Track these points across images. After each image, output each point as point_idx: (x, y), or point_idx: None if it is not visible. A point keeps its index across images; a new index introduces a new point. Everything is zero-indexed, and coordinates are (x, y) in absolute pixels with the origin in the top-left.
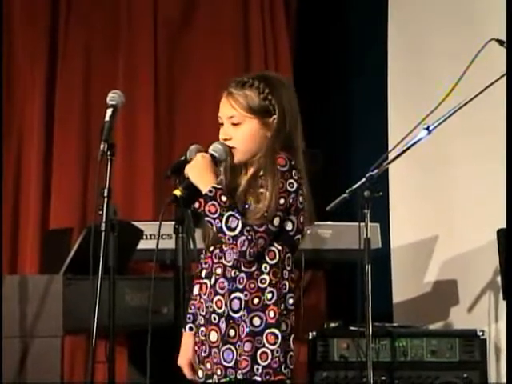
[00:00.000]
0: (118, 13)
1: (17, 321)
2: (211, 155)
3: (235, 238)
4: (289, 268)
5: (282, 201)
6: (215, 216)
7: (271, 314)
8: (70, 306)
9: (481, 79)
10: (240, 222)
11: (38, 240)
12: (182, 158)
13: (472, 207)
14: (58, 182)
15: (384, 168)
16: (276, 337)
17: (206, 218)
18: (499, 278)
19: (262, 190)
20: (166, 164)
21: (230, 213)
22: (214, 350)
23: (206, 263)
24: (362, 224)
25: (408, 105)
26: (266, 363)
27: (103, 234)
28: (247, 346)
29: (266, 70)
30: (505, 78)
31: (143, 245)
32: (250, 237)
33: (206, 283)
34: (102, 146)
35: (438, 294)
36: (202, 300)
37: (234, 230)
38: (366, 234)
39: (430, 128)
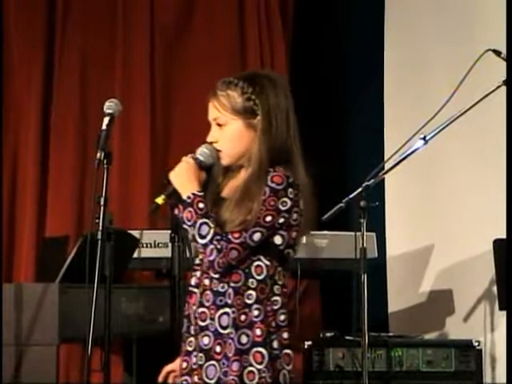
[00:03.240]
0: (114, 20)
1: (12, 329)
2: (196, 160)
3: (205, 246)
4: (280, 283)
5: (268, 218)
6: (190, 223)
7: (258, 331)
8: (66, 314)
9: (477, 89)
10: (212, 230)
11: (33, 248)
12: None
13: (468, 217)
14: (54, 191)
15: (380, 178)
16: (262, 356)
17: (184, 225)
18: (495, 288)
19: (247, 202)
20: (163, 172)
21: (204, 220)
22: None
23: (196, 272)
24: (358, 233)
25: (405, 114)
26: (253, 383)
27: (99, 242)
28: (235, 366)
29: (259, 69)
30: (501, 89)
31: (139, 253)
32: (219, 246)
33: (195, 293)
34: (98, 154)
35: (434, 304)
36: (190, 309)
37: (204, 237)
38: (362, 244)
39: (427, 138)
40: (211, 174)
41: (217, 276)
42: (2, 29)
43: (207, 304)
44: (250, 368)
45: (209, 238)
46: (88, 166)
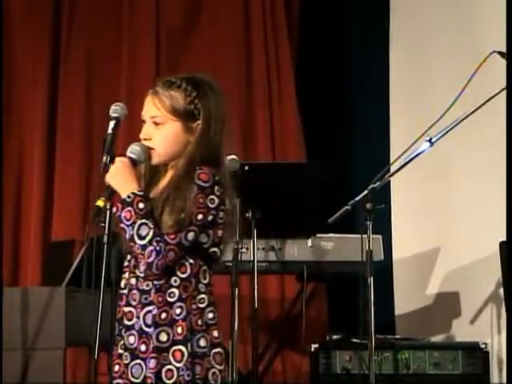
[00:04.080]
0: (120, 20)
1: (18, 333)
2: (130, 158)
3: (144, 247)
4: (205, 281)
5: (199, 216)
6: (129, 223)
7: (179, 330)
8: (72, 318)
9: (483, 91)
10: (151, 231)
11: (39, 252)
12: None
13: (474, 219)
14: (60, 194)
15: (386, 180)
16: (182, 354)
17: (121, 225)
18: (501, 290)
19: (178, 201)
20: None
21: (144, 221)
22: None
23: (124, 273)
24: (364, 236)
25: (410, 116)
26: (171, 381)
27: (105, 246)
28: (152, 363)
29: (195, 73)
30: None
31: None
32: (158, 248)
33: (124, 293)
34: (104, 158)
35: (441, 306)
36: (121, 311)
37: (143, 238)
38: (368, 246)
39: (433, 140)
40: (139, 171)
41: (155, 277)
42: (2, 28)
43: (134, 303)
44: (169, 366)
45: (148, 238)
46: (94, 169)
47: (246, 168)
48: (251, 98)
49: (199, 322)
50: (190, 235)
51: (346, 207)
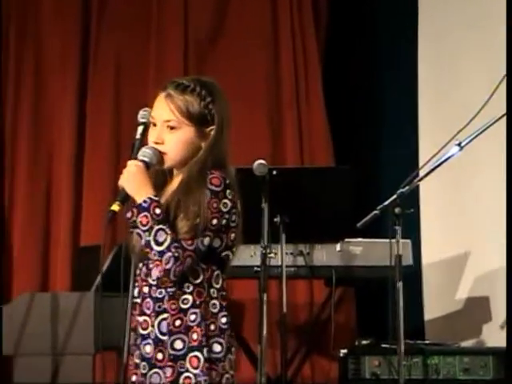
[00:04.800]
0: (148, 28)
1: (48, 338)
2: (143, 162)
3: (161, 253)
4: (218, 286)
5: (214, 221)
6: (145, 228)
7: (194, 336)
8: (101, 323)
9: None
10: (169, 237)
11: (68, 257)
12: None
13: (504, 223)
14: (89, 200)
15: (415, 185)
16: (198, 360)
17: (136, 230)
18: None
19: (192, 207)
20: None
21: (161, 226)
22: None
23: (136, 281)
24: (393, 241)
25: (439, 119)
26: None
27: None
28: (168, 372)
29: (202, 76)
30: None
31: None
32: (176, 254)
33: (138, 302)
34: None
35: (471, 311)
36: (136, 321)
37: (161, 244)
38: (398, 251)
39: (462, 144)
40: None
41: (170, 284)
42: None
43: (148, 312)
44: (187, 373)
45: (166, 244)
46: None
47: (274, 173)
48: (278, 99)
49: (212, 328)
50: (206, 240)
51: (375, 212)
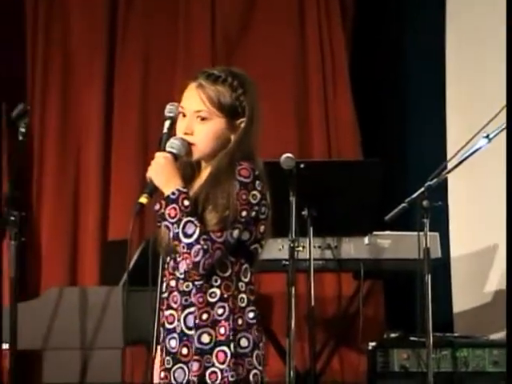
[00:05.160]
0: (175, 22)
1: (77, 333)
2: (171, 153)
3: (190, 246)
4: (246, 280)
5: (244, 213)
6: (174, 220)
7: (221, 330)
8: (130, 317)
9: None
10: (198, 229)
11: (97, 252)
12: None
13: None
14: (116, 194)
15: (443, 177)
16: (226, 355)
17: (165, 223)
18: None
19: (221, 199)
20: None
21: (189, 218)
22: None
23: (164, 275)
24: (421, 233)
25: (467, 111)
26: (216, 383)
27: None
28: (195, 366)
29: (232, 67)
30: None
31: None
32: (205, 246)
33: (165, 297)
34: None
35: (499, 304)
36: (162, 315)
37: (190, 236)
38: (426, 244)
39: (490, 136)
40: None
41: (198, 277)
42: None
43: (175, 306)
44: (213, 368)
45: (195, 237)
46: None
47: (302, 166)
48: (306, 91)
49: (239, 322)
50: (235, 233)
51: (403, 205)
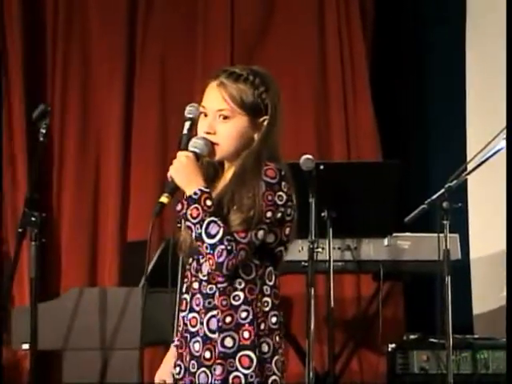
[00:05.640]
0: (194, 24)
1: (97, 333)
2: (193, 153)
3: (213, 246)
4: (271, 283)
5: (269, 214)
6: (196, 221)
7: (245, 334)
8: (149, 318)
9: None
10: (221, 229)
11: (116, 252)
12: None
13: None
14: (136, 195)
15: (463, 179)
16: (251, 360)
17: (187, 223)
18: None
19: (247, 199)
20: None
21: (212, 219)
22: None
23: (186, 277)
24: (441, 235)
25: (487, 113)
26: None
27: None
28: (218, 370)
29: (254, 66)
30: None
31: None
32: (229, 247)
33: (185, 298)
34: None
35: None
36: (181, 317)
37: (213, 237)
38: (446, 245)
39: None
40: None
41: (222, 280)
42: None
43: (197, 308)
44: (236, 373)
45: (218, 237)
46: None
47: (321, 167)
48: (326, 96)
49: (262, 327)
50: (260, 234)
51: (423, 206)
